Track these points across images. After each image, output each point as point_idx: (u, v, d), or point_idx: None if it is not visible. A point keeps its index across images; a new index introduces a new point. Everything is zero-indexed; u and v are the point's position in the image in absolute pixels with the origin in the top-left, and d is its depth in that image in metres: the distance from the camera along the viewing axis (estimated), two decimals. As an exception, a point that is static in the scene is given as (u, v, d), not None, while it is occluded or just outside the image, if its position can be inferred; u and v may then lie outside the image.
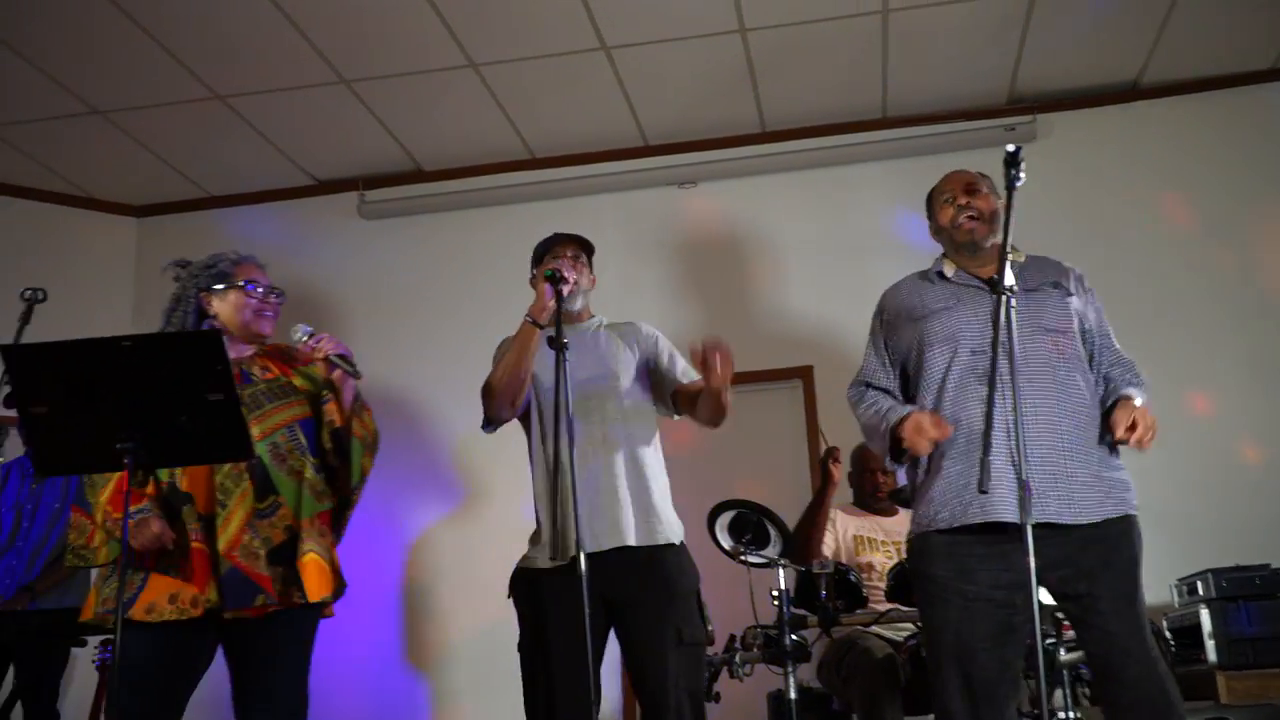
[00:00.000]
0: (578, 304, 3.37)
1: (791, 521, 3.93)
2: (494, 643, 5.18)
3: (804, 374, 5.42)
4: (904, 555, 4.17)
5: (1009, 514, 2.63)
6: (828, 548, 4.16)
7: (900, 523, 4.36)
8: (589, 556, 2.95)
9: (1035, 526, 2.43)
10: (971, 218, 2.97)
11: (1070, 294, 2.93)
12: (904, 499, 3.95)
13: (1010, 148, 2.56)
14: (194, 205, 6.02)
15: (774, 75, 5.14)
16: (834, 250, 5.54)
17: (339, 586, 3.08)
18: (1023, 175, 2.59)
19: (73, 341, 2.89)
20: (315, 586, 2.95)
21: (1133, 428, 2.68)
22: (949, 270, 3.02)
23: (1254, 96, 5.34)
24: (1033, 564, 2.35)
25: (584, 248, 3.47)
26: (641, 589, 3.12)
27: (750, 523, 3.73)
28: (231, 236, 5.87)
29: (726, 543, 3.77)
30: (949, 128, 5.48)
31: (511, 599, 3.29)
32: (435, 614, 5.43)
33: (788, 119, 5.54)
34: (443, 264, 5.80)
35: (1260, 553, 4.33)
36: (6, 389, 2.63)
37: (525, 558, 3.28)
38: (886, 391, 3.03)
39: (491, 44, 4.80)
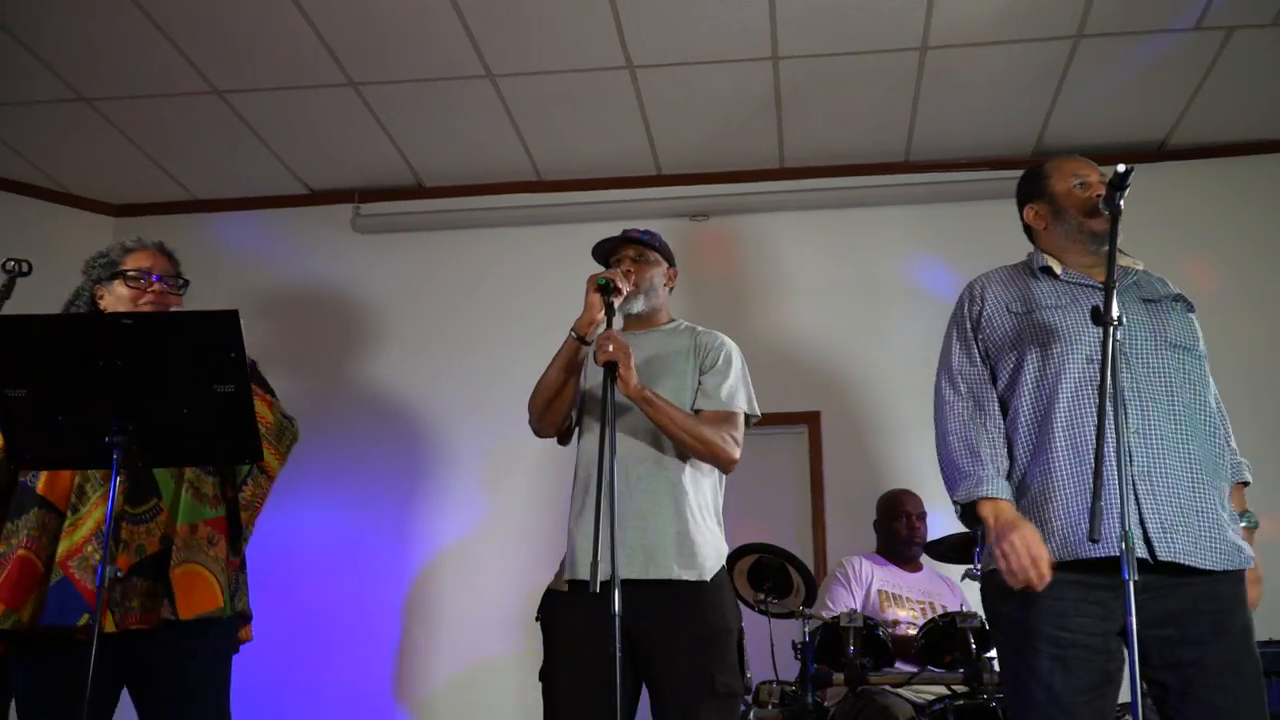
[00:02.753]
0: (638, 306, 3.11)
1: (813, 568, 3.68)
2: (485, 683, 5.06)
3: (811, 420, 5.21)
4: (931, 614, 3.95)
5: (1116, 549, 2.31)
6: (851, 600, 3.91)
7: (926, 580, 4.13)
8: (612, 584, 2.68)
9: (1150, 570, 2.22)
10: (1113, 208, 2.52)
11: (1192, 310, 2.68)
12: (946, 549, 3.71)
13: (1121, 168, 2.36)
14: (176, 208, 5.71)
15: (800, 108, 4.96)
16: (847, 294, 5.36)
17: (232, 605, 2.76)
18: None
19: (63, 316, 2.61)
20: (189, 602, 2.62)
21: None
22: (1057, 268, 2.71)
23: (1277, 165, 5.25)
24: (1134, 619, 2.11)
25: (650, 246, 3.18)
26: (672, 626, 2.81)
27: (772, 569, 3.48)
28: (213, 243, 5.63)
29: (746, 591, 3.52)
30: (972, 175, 5.34)
31: (539, 623, 3.03)
32: (427, 651, 5.15)
33: (808, 156, 5.37)
34: (437, 283, 5.56)
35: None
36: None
37: (555, 579, 3.01)
38: (977, 394, 2.69)
39: (513, 54, 4.58)
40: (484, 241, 5.58)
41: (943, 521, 4.29)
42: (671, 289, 3.27)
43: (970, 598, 3.98)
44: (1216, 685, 2.36)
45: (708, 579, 2.90)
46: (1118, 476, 2.25)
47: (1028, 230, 2.85)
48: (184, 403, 2.33)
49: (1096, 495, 2.14)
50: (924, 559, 4.29)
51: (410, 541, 5.25)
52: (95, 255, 2.94)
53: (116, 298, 2.85)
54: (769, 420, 5.07)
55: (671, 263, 3.24)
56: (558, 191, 5.54)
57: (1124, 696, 2.73)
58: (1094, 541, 2.14)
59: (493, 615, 5.07)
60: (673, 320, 3.23)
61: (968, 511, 2.61)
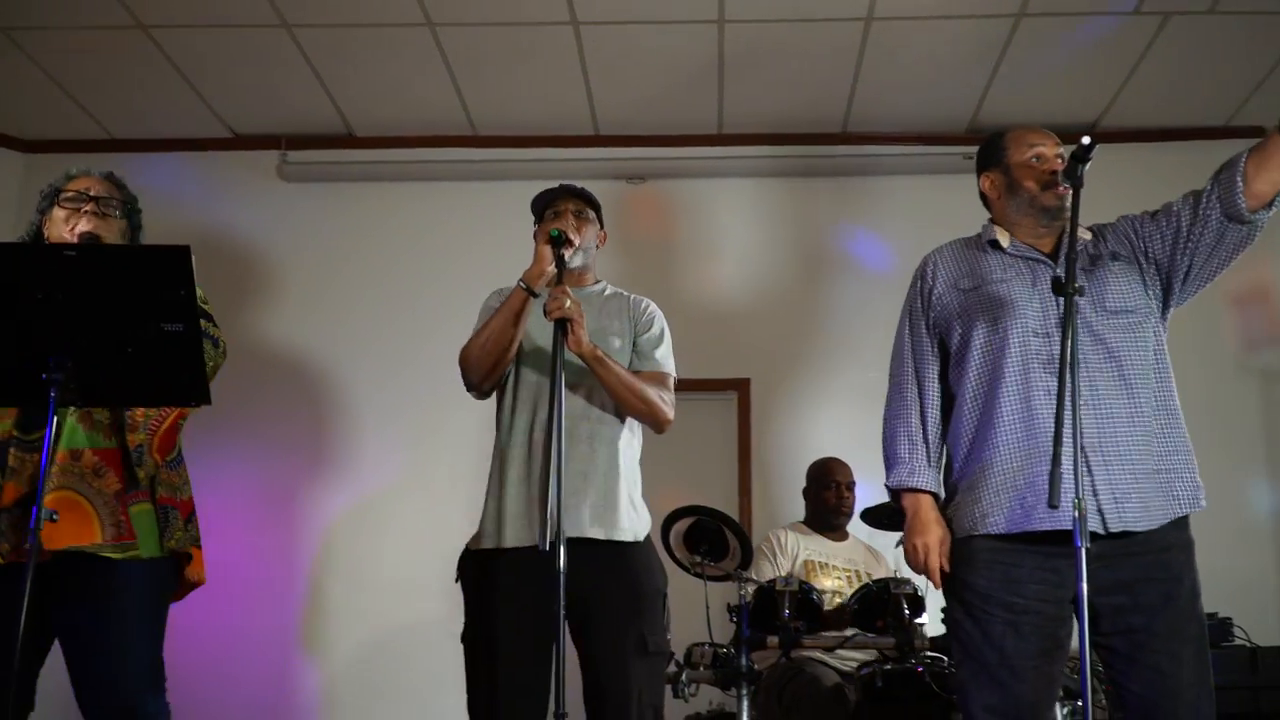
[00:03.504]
0: (576, 262, 3.03)
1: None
2: (394, 641, 4.99)
3: (741, 386, 5.22)
4: (856, 582, 4.00)
5: (1069, 522, 2.36)
6: (779, 570, 3.93)
7: (852, 549, 4.17)
8: (559, 543, 2.64)
9: (1104, 539, 2.29)
10: (1068, 182, 2.56)
11: (1130, 261, 2.67)
12: (882, 516, 3.75)
13: (1085, 140, 2.40)
14: (91, 146, 5.45)
15: (743, 74, 4.94)
16: (780, 262, 5.38)
17: (159, 545, 2.66)
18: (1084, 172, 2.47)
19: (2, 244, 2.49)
20: (55, 532, 2.49)
21: None
22: (1004, 240, 2.73)
23: (1205, 152, 5.33)
24: (1084, 586, 2.16)
25: (589, 203, 3.14)
26: (605, 587, 2.78)
27: (709, 532, 3.48)
28: (129, 184, 5.38)
29: (682, 553, 3.51)
30: (907, 150, 5.38)
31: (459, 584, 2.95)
32: (334, 606, 5.08)
33: (746, 123, 5.35)
34: (365, 235, 5.44)
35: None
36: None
37: (477, 538, 2.93)
38: (921, 377, 2.76)
39: (454, 3, 4.45)
40: (414, 195, 5.47)
41: (870, 491, 4.34)
42: (599, 249, 3.23)
43: (897, 565, 4.03)
44: (1164, 651, 2.42)
45: (641, 539, 2.90)
46: (1071, 449, 2.27)
47: (984, 198, 2.86)
48: (128, 340, 2.22)
49: (1056, 462, 2.17)
50: (850, 528, 4.33)
51: (327, 499, 5.15)
52: (45, 187, 2.88)
53: (54, 222, 2.76)
54: (698, 386, 5.11)
55: (602, 224, 3.20)
56: (493, 147, 5.44)
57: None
58: (1054, 508, 2.18)
59: (413, 575, 5.01)
60: (599, 281, 3.19)
61: (896, 495, 2.76)
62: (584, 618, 2.77)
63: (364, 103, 5.21)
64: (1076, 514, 2.20)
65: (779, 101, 5.18)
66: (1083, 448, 2.41)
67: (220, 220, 5.39)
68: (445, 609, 4.96)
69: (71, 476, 2.58)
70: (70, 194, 2.78)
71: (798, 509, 4.73)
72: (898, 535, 3.79)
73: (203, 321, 2.78)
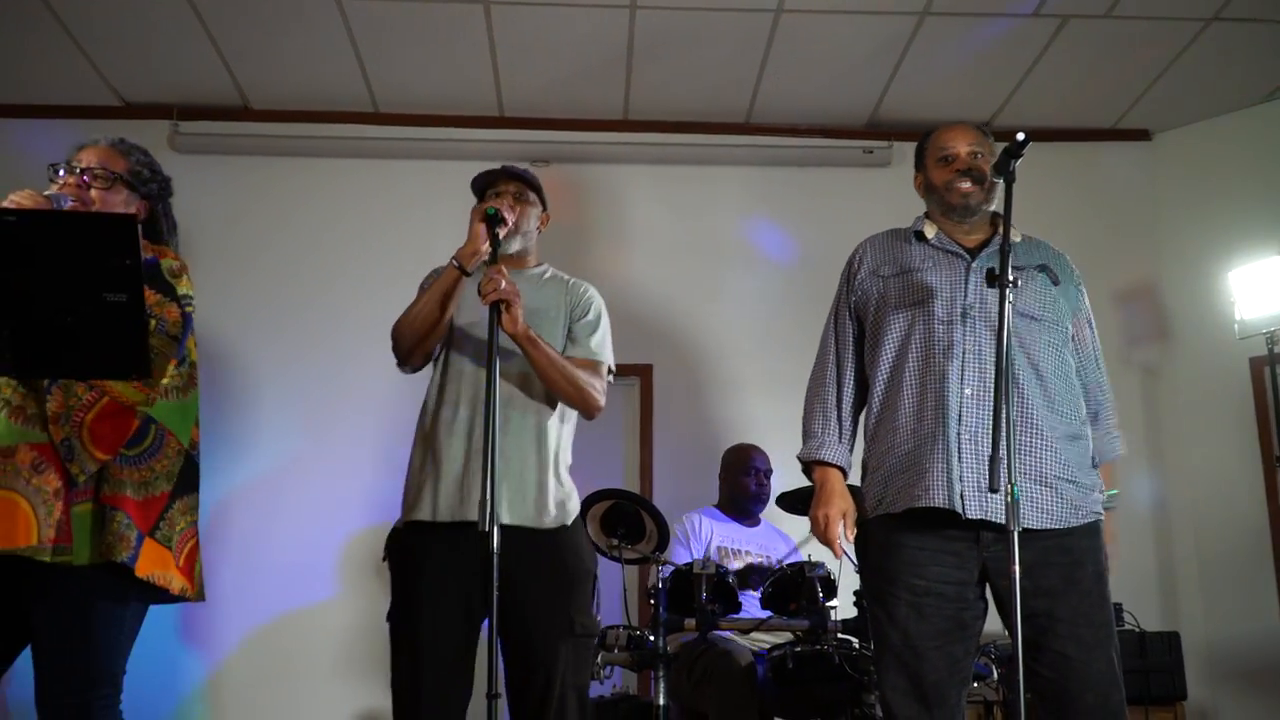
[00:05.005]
0: (515, 246, 2.99)
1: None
2: (285, 627, 4.87)
3: (643, 372, 5.24)
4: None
5: (948, 502, 2.50)
6: (693, 553, 3.96)
7: (764, 534, 4.23)
8: (469, 525, 2.65)
9: (991, 528, 2.36)
10: (972, 181, 2.72)
11: (1057, 282, 2.75)
12: (796, 500, 3.80)
13: (1020, 136, 2.47)
14: (-35, 110, 5.22)
15: (651, 60, 4.94)
16: (684, 250, 5.41)
17: (96, 552, 2.50)
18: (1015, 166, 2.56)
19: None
20: None
21: None
22: (929, 232, 2.80)
23: (1092, 154, 5.58)
24: (1017, 570, 2.23)
25: (531, 185, 3.10)
26: (534, 570, 2.76)
27: (625, 515, 3.48)
28: (9, 152, 5.15)
29: (599, 537, 3.51)
30: (808, 142, 5.46)
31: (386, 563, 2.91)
32: (220, 591, 4.86)
33: (653, 110, 5.37)
34: (259, 211, 5.30)
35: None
36: None
37: (408, 510, 2.87)
38: (839, 358, 2.87)
39: (364, -26, 4.38)
40: (312, 171, 5.34)
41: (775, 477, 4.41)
42: (541, 232, 3.20)
43: (808, 550, 4.09)
44: (1069, 636, 2.48)
45: (569, 523, 2.89)
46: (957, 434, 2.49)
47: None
48: (68, 310, 2.11)
49: (995, 447, 2.24)
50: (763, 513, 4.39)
51: (212, 479, 4.95)
52: None
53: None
54: (602, 372, 5.12)
55: (545, 206, 3.17)
56: (395, 125, 5.34)
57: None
58: (994, 491, 2.25)
59: (306, 558, 4.91)
60: (540, 264, 3.16)
61: (807, 469, 2.84)
62: (512, 599, 2.75)
63: (262, 73, 5.06)
64: (1008, 500, 2.27)
65: (686, 90, 5.21)
66: (958, 436, 2.53)
67: (107, 191, 5.16)
68: (341, 592, 4.93)
69: (7, 474, 2.45)
70: (58, 166, 2.66)
71: (699, 493, 4.76)
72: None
73: (156, 298, 2.63)
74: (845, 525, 2.69)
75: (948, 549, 2.55)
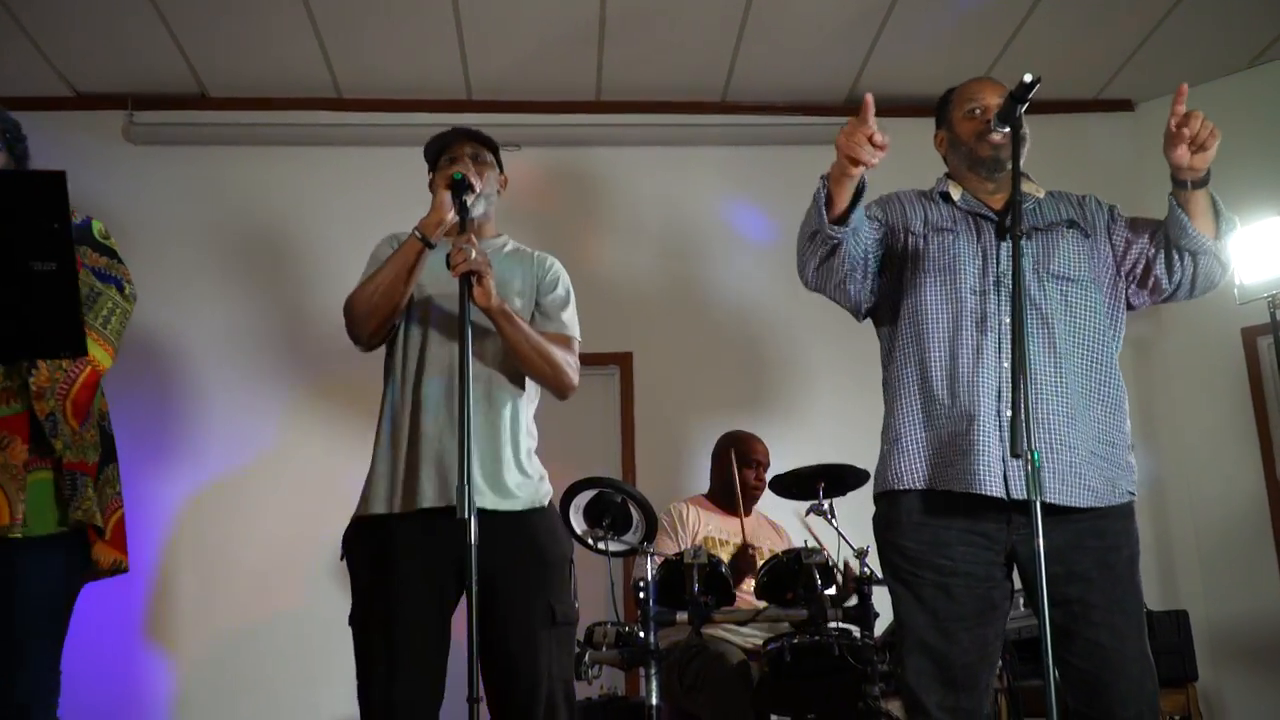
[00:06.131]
0: (478, 210, 2.80)
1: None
2: (252, 633, 4.68)
3: (623, 360, 5.08)
4: (759, 559, 3.89)
5: (994, 487, 2.33)
6: (681, 544, 3.80)
7: (754, 524, 4.07)
8: (439, 512, 2.51)
9: (1023, 507, 2.17)
10: (1002, 133, 2.52)
11: (1088, 235, 2.59)
12: (789, 484, 3.66)
13: (1027, 77, 2.31)
14: (-91, 104, 4.99)
15: (624, 38, 4.78)
16: (661, 234, 5.26)
17: (64, 519, 2.40)
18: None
19: None
20: None
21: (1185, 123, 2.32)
22: (955, 193, 2.64)
23: (1074, 125, 5.46)
24: (1041, 548, 2.08)
25: (487, 145, 2.92)
26: (508, 556, 2.58)
27: (612, 504, 3.31)
28: (-46, 148, 4.94)
29: (582, 527, 3.34)
30: (786, 120, 5.32)
31: (345, 560, 2.73)
32: (185, 595, 4.72)
33: (626, 90, 5.21)
34: (218, 202, 5.10)
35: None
36: None
37: (365, 503, 2.70)
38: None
39: (324, -47, 4.20)
40: (273, 160, 5.14)
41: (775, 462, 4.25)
42: (500, 195, 3.03)
43: (801, 537, 3.94)
44: (1104, 624, 2.34)
45: (543, 505, 2.75)
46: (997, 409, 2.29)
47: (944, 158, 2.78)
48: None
49: (1016, 411, 2.10)
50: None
51: (174, 481, 4.78)
52: None
53: None
54: (580, 360, 4.95)
55: (502, 168, 3.00)
56: (359, 111, 5.17)
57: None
58: (1016, 457, 2.11)
59: (271, 561, 4.73)
60: (499, 234, 2.99)
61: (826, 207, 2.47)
62: (487, 589, 2.58)
63: (220, 60, 4.86)
64: (1028, 472, 2.12)
65: (660, 68, 5.05)
66: (999, 412, 2.36)
67: (58, 185, 4.96)
68: (309, 596, 4.73)
69: None
70: None
71: (684, 483, 4.63)
72: (806, 505, 3.75)
73: (105, 260, 2.51)
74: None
75: (976, 529, 2.40)
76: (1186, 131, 2.33)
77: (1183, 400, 5.19)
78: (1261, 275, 4.31)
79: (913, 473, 2.46)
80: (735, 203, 5.32)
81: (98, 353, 2.45)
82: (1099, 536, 2.39)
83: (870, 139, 2.27)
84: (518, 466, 2.72)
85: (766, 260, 5.19)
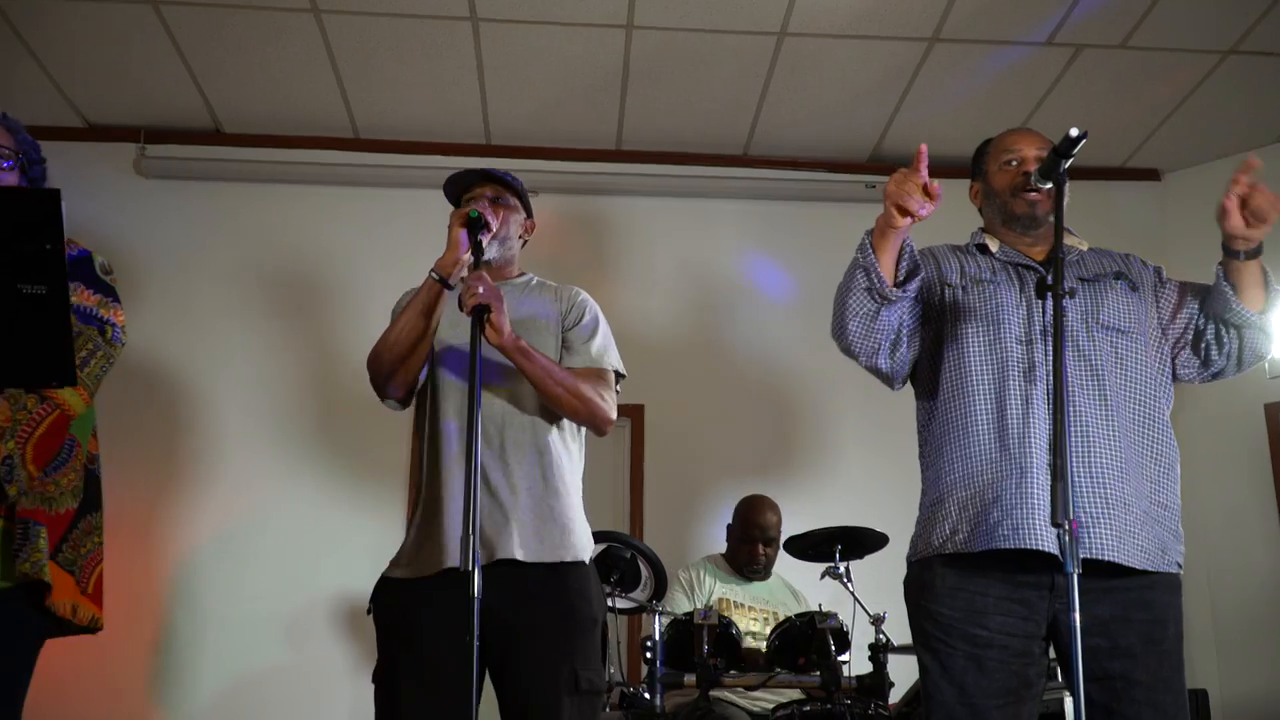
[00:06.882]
0: (493, 253, 2.70)
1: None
2: (259, 687, 4.52)
3: (634, 413, 4.96)
4: (774, 623, 3.74)
5: (1046, 543, 2.17)
6: (695, 604, 3.65)
7: (771, 587, 3.93)
8: (472, 563, 2.30)
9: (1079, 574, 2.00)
10: (1043, 189, 2.43)
11: (1136, 288, 2.48)
12: (806, 546, 3.51)
13: (1074, 132, 2.21)
14: (-80, 130, 4.93)
15: (647, 85, 4.72)
16: (678, 286, 5.17)
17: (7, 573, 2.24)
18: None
19: None
20: None
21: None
22: (993, 245, 2.52)
23: (1101, 192, 5.38)
24: (1077, 622, 1.93)
25: (509, 188, 2.82)
26: (535, 612, 2.44)
27: (620, 560, 3.18)
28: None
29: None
30: (809, 175, 5.25)
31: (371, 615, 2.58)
32: (189, 648, 4.58)
33: (647, 140, 5.14)
34: (231, 238, 5.03)
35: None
36: None
37: (393, 565, 2.58)
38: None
39: (346, -12, 4.14)
40: (286, 198, 5.08)
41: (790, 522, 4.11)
42: (525, 242, 2.93)
43: (820, 599, 3.79)
44: (1147, 702, 2.19)
45: (583, 560, 2.57)
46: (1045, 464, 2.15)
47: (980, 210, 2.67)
48: (-27, 304, 1.81)
49: (1055, 477, 1.96)
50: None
51: (181, 527, 4.66)
52: None
53: None
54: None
55: (530, 213, 2.90)
56: (375, 152, 5.10)
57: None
58: (1056, 526, 1.95)
59: (281, 611, 4.59)
60: (524, 274, 2.88)
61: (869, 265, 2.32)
62: (507, 650, 2.43)
63: (235, 95, 4.81)
64: (1066, 535, 1.96)
65: (682, 118, 4.99)
66: (1051, 466, 2.22)
67: (69, 218, 4.77)
68: (322, 649, 4.58)
69: None
70: None
71: (693, 542, 4.49)
72: (821, 567, 3.61)
73: (97, 298, 2.39)
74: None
75: (1014, 596, 2.24)
76: (1250, 202, 2.27)
77: (1203, 475, 5.04)
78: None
79: (954, 534, 2.31)
80: (754, 257, 5.23)
81: (70, 398, 2.31)
82: (1146, 609, 2.24)
83: (925, 188, 2.16)
84: (555, 515, 2.55)
85: (784, 316, 5.10)
